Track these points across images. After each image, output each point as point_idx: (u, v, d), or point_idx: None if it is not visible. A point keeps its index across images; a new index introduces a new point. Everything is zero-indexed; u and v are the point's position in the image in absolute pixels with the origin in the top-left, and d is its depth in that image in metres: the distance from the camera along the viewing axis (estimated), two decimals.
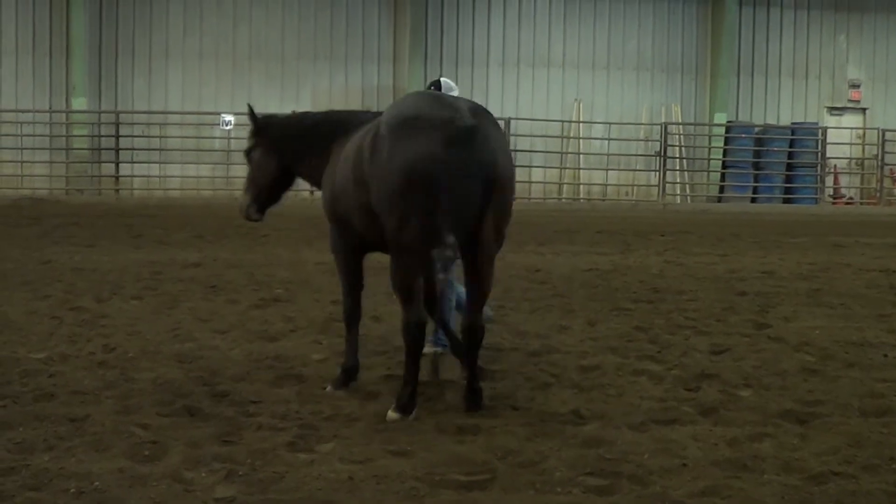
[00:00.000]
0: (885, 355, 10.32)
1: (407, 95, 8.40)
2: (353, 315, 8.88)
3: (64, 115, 31.46)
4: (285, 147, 9.32)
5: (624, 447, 7.03)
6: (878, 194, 35.53)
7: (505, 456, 6.86)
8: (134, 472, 6.45)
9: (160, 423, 7.47)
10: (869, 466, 6.71)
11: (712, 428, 7.57)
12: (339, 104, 30.05)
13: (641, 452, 6.91)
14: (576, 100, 33.80)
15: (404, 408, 7.74)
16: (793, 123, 35.22)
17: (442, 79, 10.02)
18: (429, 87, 9.75)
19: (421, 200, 7.27)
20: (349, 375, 8.73)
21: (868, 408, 8.17)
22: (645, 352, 10.21)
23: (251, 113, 9.60)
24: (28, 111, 31.06)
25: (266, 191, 9.55)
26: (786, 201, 34.18)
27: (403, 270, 7.67)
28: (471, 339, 7.99)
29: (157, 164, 31.59)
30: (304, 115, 9.75)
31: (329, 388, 8.60)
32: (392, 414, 7.71)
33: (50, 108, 31.46)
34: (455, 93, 9.31)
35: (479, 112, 7.71)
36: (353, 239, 8.49)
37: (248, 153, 9.57)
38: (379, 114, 8.32)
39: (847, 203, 35.08)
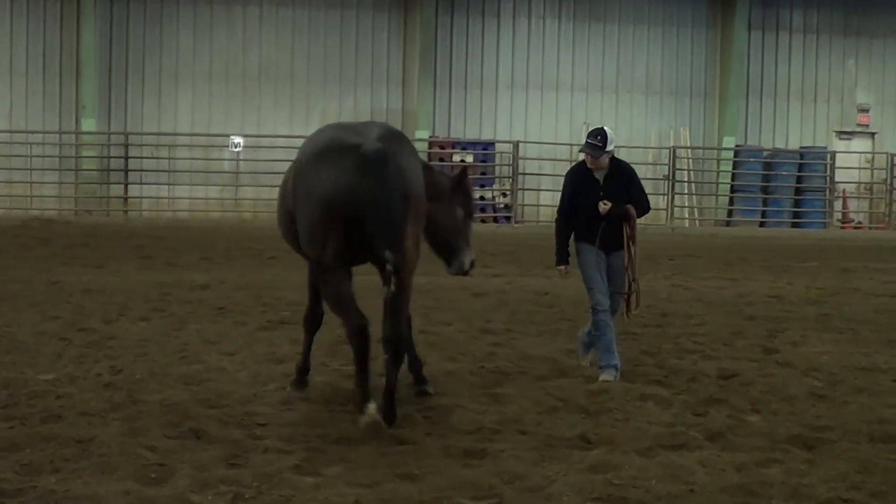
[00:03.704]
0: (894, 380, 10.29)
1: (321, 128, 9.10)
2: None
3: (73, 136, 31.54)
4: None
5: (631, 472, 7.01)
6: (886, 219, 35.49)
7: (512, 480, 6.84)
8: (141, 494, 6.44)
9: (167, 446, 7.46)
10: (878, 493, 6.68)
11: (720, 453, 7.55)
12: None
13: (649, 478, 6.89)
14: (584, 123, 33.74)
15: (359, 407, 7.99)
16: (801, 147, 35.22)
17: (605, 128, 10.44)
18: (592, 133, 10.34)
19: (339, 224, 7.91)
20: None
21: (877, 433, 8.14)
22: (652, 376, 10.19)
23: None
24: (38, 132, 31.15)
25: None
26: (794, 225, 34.15)
27: (329, 286, 8.28)
28: (390, 350, 8.07)
29: (166, 186, 31.63)
30: None
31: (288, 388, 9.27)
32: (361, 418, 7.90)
33: (60, 129, 31.53)
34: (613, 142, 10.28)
35: (389, 135, 8.35)
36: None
37: None
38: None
39: (856, 227, 35.03)
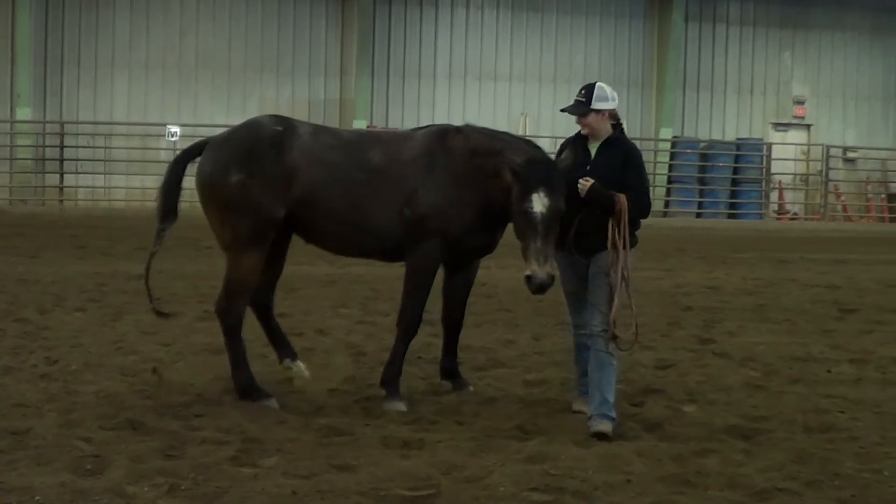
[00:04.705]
0: (829, 371, 10.41)
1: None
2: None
3: (8, 124, 31.14)
4: None
5: (569, 462, 7.04)
6: (822, 210, 35.94)
7: (450, 471, 6.85)
8: (76, 486, 6.39)
9: (103, 437, 7.40)
10: (813, 482, 6.76)
11: (657, 443, 7.61)
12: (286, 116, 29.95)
13: (586, 468, 6.93)
14: (522, 113, 33.92)
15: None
16: (738, 139, 35.56)
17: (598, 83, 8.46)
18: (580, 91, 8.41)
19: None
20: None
21: (812, 424, 8.24)
22: None
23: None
24: None
25: None
26: (731, 216, 34.47)
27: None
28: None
29: (102, 175, 31.35)
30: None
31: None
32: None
33: None
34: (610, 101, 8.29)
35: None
36: None
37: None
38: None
39: (792, 219, 35.41)
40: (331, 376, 9.57)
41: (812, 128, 36.82)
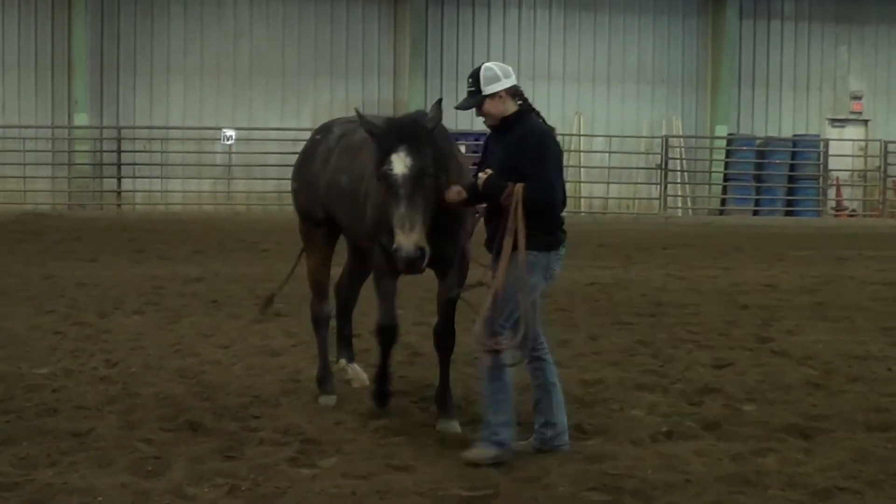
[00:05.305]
0: (890, 369, 10.31)
1: None
2: None
3: (66, 130, 31.48)
4: None
5: (627, 462, 7.02)
6: (880, 206, 35.52)
7: (508, 471, 6.85)
8: (137, 487, 6.45)
9: (163, 439, 7.47)
10: (874, 482, 6.69)
11: (716, 443, 7.56)
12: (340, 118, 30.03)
13: (645, 468, 6.90)
14: (576, 113, 33.81)
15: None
16: (794, 135, 35.21)
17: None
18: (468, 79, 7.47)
19: None
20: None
21: (873, 422, 8.15)
22: (647, 366, 10.19)
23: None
24: (31, 127, 31.07)
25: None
26: (788, 214, 34.16)
27: None
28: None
29: (159, 179, 31.59)
30: None
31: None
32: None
33: (52, 124, 31.47)
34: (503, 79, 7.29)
35: None
36: None
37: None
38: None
39: (850, 215, 35.05)
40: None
41: (869, 123, 36.40)
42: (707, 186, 34.77)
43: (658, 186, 33.28)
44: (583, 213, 32.74)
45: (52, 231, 23.45)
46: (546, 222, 7.13)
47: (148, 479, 6.64)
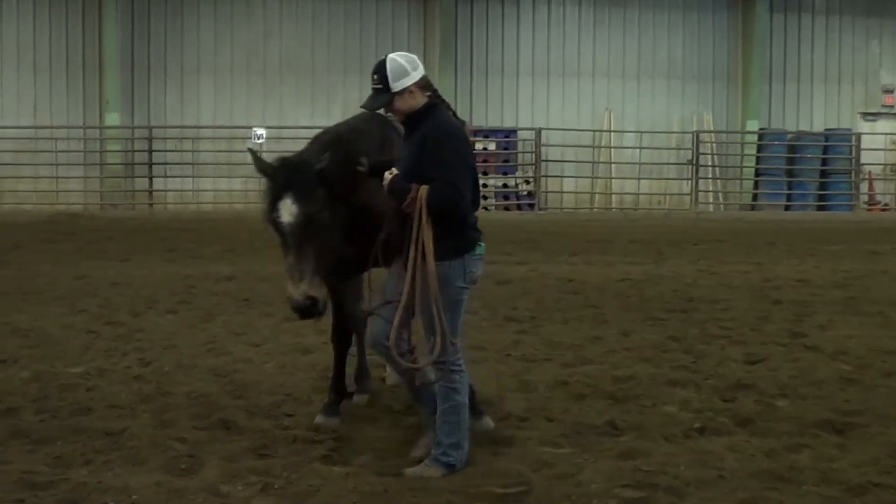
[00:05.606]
0: None
1: None
2: None
3: (98, 130, 31.63)
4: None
5: (660, 459, 7.00)
6: None
7: (540, 468, 6.85)
8: (171, 485, 6.48)
9: (196, 437, 7.51)
10: None
11: (749, 439, 7.53)
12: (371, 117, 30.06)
13: (678, 464, 6.89)
14: (606, 109, 33.71)
15: None
16: (826, 130, 35.02)
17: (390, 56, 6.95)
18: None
19: None
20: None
21: None
22: (679, 362, 10.16)
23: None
24: (62, 127, 31.23)
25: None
26: (820, 208, 33.95)
27: None
28: None
29: (190, 178, 31.68)
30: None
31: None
32: None
33: (84, 124, 31.61)
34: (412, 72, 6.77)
35: None
36: None
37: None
38: None
39: (882, 210, 34.81)
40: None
41: None
42: (738, 181, 34.62)
43: (689, 182, 33.15)
44: (613, 210, 32.66)
45: (85, 231, 23.58)
46: (455, 227, 6.60)
47: (182, 477, 6.67)
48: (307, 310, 6.90)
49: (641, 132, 33.24)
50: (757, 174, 34.26)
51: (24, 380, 9.33)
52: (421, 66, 6.82)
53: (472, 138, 31.63)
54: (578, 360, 10.30)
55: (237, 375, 9.49)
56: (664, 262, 18.61)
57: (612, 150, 33.48)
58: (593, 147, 33.20)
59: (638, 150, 33.16)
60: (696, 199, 33.05)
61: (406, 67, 6.72)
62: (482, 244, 6.84)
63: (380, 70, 6.74)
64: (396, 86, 6.67)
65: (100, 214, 29.00)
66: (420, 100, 6.74)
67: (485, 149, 31.62)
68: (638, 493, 6.37)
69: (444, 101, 6.90)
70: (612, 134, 33.50)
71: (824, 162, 34.44)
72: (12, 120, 31.19)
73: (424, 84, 6.79)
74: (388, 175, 6.64)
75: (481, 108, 33.47)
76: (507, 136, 32.69)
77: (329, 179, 6.95)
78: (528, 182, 32.47)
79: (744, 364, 10.12)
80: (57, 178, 31.04)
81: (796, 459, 7.03)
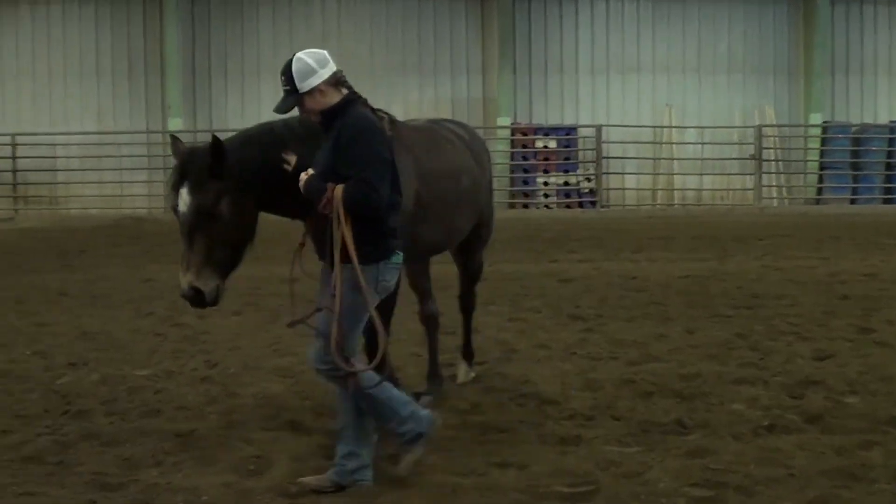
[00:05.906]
0: None
1: None
2: None
3: (161, 135, 31.92)
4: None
5: (729, 457, 6.96)
6: None
7: (608, 467, 6.83)
8: (240, 486, 6.54)
9: (264, 438, 7.56)
10: None
11: (819, 436, 7.46)
12: (430, 116, 30.13)
13: (747, 462, 6.84)
14: (667, 105, 33.51)
15: None
16: (891, 122, 34.57)
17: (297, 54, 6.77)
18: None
19: None
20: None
21: None
22: (746, 359, 10.08)
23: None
24: (126, 132, 31.59)
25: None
26: (886, 202, 33.53)
27: None
28: None
29: None
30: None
31: None
32: None
33: (147, 129, 31.95)
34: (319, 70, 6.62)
35: None
36: None
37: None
38: None
39: None
40: (484, 374, 9.61)
41: None
42: (802, 175, 34.26)
43: (752, 177, 32.85)
44: (676, 206, 32.46)
45: (150, 235, 23.80)
46: (372, 230, 6.38)
47: (250, 477, 6.72)
48: (192, 300, 6.95)
49: (703, 127, 32.99)
50: (821, 168, 33.89)
51: (94, 382, 9.46)
52: (331, 63, 6.62)
53: (532, 136, 31.66)
54: (644, 357, 10.24)
55: (303, 376, 9.53)
56: (728, 258, 18.46)
57: (674, 145, 33.27)
58: (654, 143, 33.01)
59: (700, 146, 32.93)
60: (760, 193, 32.75)
61: (313, 66, 6.54)
62: (399, 253, 6.58)
63: (286, 71, 6.58)
64: (304, 86, 6.51)
65: (164, 218, 29.22)
66: (333, 97, 6.56)
67: (545, 147, 31.55)
68: (707, 492, 6.33)
69: (360, 97, 6.69)
70: (674, 130, 33.30)
71: (890, 154, 34.01)
72: (77, 126, 31.60)
73: (336, 81, 6.61)
74: (303, 175, 6.48)
75: (541, 106, 33.40)
76: (567, 133, 32.57)
77: (242, 174, 6.85)
78: (589, 179, 32.34)
79: (812, 360, 10.02)
80: (122, 182, 31.39)
81: (867, 457, 6.95)
